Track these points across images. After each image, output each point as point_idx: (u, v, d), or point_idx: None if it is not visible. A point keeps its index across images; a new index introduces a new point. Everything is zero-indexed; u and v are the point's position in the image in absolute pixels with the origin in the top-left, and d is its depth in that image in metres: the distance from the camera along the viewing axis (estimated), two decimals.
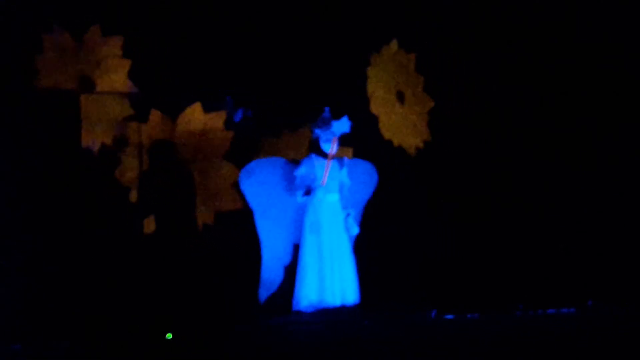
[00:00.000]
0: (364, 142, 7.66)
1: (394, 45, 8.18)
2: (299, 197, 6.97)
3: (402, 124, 8.19)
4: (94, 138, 7.31)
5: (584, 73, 8.12)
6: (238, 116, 7.75)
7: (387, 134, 8.12)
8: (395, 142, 8.15)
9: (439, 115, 8.23)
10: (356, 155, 7.58)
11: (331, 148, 6.93)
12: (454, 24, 8.09)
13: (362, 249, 7.14)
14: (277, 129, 7.77)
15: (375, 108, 8.06)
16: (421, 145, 8.20)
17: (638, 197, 8.03)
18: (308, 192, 6.95)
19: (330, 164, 6.94)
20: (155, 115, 7.47)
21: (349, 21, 7.83)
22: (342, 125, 6.96)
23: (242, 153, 7.54)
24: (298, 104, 7.58)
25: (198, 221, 7.59)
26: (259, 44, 7.68)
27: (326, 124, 6.97)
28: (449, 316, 6.84)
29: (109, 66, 7.41)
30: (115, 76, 7.42)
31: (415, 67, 8.28)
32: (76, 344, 5.88)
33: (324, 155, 6.97)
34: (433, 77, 8.24)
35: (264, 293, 7.05)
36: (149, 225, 7.41)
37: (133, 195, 7.40)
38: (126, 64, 7.42)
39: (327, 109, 7.01)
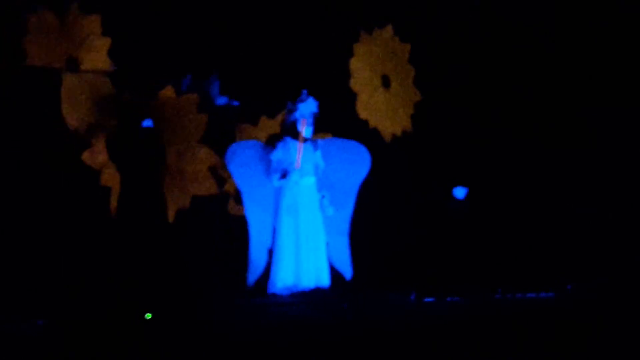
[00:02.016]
0: (342, 125, 7.62)
1: (387, 30, 8.09)
2: (276, 181, 6.96)
3: (383, 108, 8.10)
4: (79, 118, 7.24)
5: (574, 80, 8.12)
6: (222, 100, 7.68)
7: (363, 114, 8.00)
8: (372, 123, 8.05)
9: (425, 110, 8.18)
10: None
11: (301, 130, 6.92)
12: (454, 22, 8.06)
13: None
14: (255, 114, 7.72)
15: (356, 85, 7.95)
16: (399, 133, 8.12)
17: (616, 181, 8.05)
18: (284, 175, 6.93)
19: (302, 147, 6.92)
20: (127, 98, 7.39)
21: (341, 5, 7.78)
22: (309, 106, 6.94)
23: (220, 137, 7.48)
24: (279, 89, 7.52)
25: (173, 206, 7.51)
26: (243, 25, 7.62)
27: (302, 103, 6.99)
28: (429, 299, 6.83)
29: (91, 45, 7.33)
30: (97, 55, 7.34)
31: (409, 58, 8.22)
32: (52, 325, 5.84)
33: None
34: (425, 72, 8.18)
35: (252, 276, 7.03)
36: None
37: (103, 179, 7.30)
38: (106, 42, 7.35)
39: (304, 91, 7.00)
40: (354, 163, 7.24)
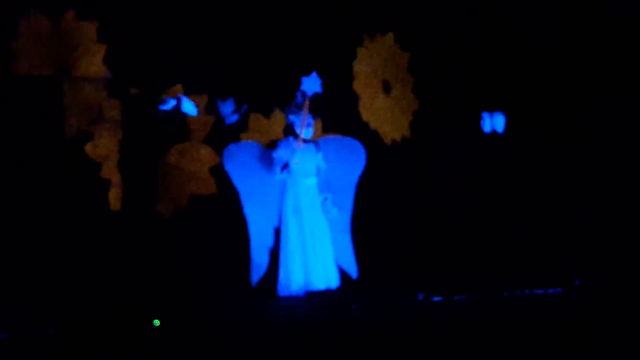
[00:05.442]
0: (343, 125, 7.61)
1: (389, 38, 8.15)
2: (278, 175, 6.97)
3: (383, 112, 8.15)
4: (73, 124, 7.23)
5: (574, 80, 8.10)
6: (233, 118, 7.66)
7: (365, 116, 8.04)
8: (372, 126, 8.10)
9: (422, 118, 8.20)
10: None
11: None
12: (454, 32, 8.06)
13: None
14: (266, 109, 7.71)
15: (358, 87, 7.99)
16: (398, 139, 8.16)
17: (621, 177, 8.04)
18: (286, 165, 6.94)
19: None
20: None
21: (345, 9, 7.78)
22: (313, 83, 6.90)
23: (224, 136, 7.47)
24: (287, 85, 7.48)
25: (171, 204, 7.48)
26: (250, 23, 7.61)
27: (300, 109, 6.96)
28: (437, 298, 6.81)
29: (85, 51, 7.32)
30: (91, 61, 7.33)
31: (408, 67, 8.26)
32: (56, 329, 5.80)
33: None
34: (423, 81, 8.19)
35: (256, 276, 7.02)
36: (114, 200, 7.28)
37: (104, 172, 7.24)
38: (101, 48, 7.33)
39: (299, 94, 6.99)
40: (350, 160, 7.25)
